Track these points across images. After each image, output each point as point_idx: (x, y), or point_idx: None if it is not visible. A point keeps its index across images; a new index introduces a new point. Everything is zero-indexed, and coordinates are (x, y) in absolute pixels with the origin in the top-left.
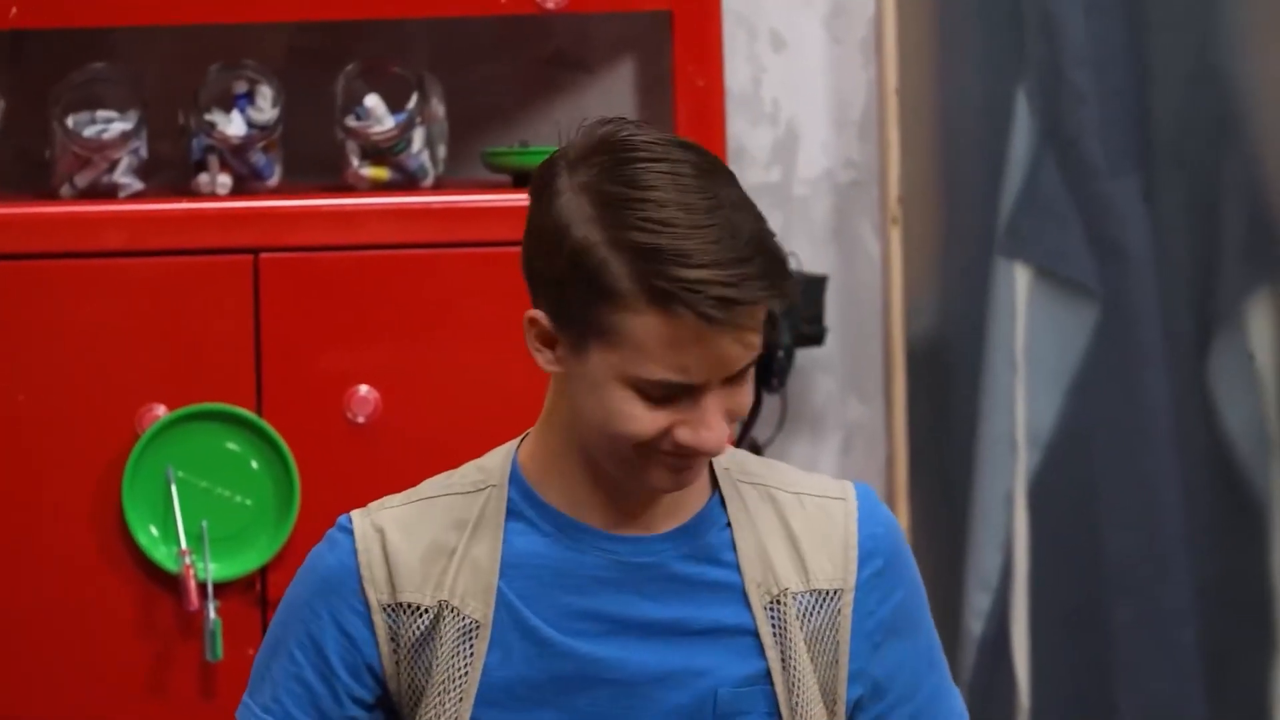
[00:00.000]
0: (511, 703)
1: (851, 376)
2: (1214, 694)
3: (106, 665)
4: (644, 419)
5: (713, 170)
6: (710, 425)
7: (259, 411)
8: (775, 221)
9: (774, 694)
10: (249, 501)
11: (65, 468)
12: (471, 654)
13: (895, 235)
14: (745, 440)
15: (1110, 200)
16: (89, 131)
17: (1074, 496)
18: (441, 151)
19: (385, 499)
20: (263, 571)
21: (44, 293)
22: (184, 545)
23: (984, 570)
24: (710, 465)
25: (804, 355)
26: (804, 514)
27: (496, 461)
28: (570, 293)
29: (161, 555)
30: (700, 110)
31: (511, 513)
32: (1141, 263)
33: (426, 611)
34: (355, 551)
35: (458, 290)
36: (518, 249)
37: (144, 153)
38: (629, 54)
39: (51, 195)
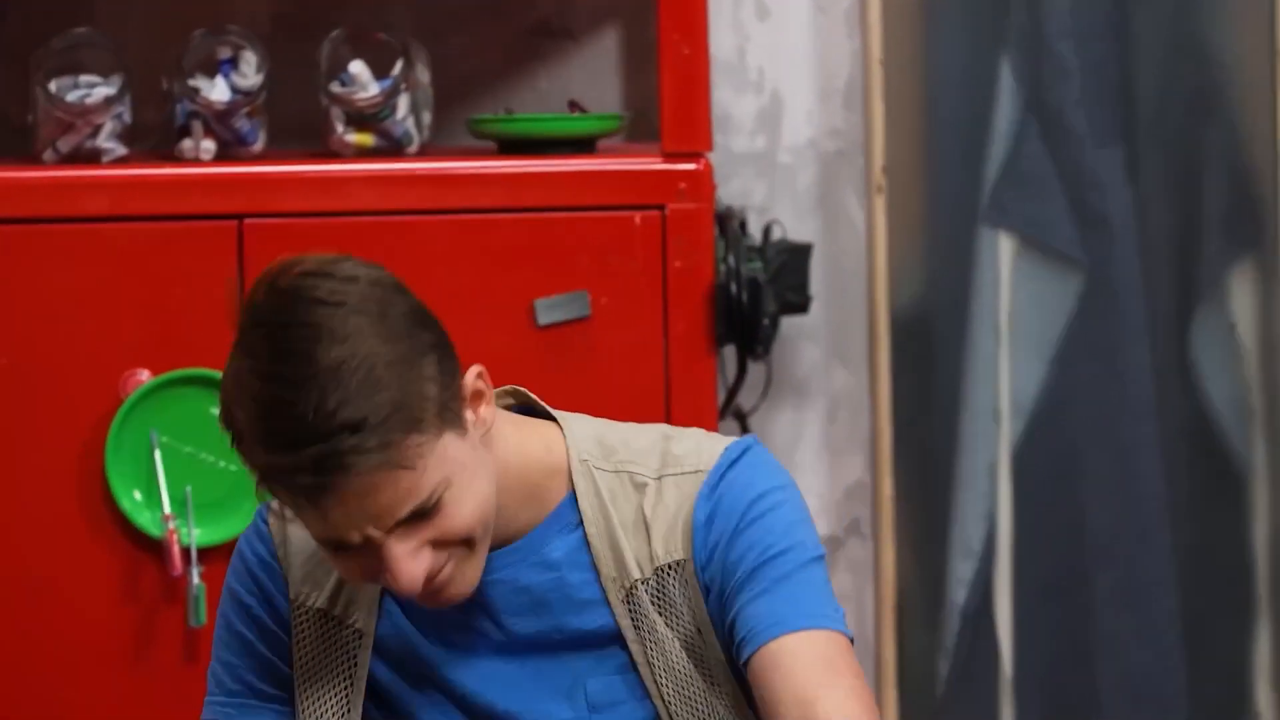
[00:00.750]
0: (393, 703)
1: (836, 345)
2: (1194, 662)
3: (89, 630)
4: (345, 568)
5: (334, 326)
6: (396, 572)
7: None
8: (760, 189)
9: (640, 682)
10: (233, 467)
11: (48, 433)
12: (356, 664)
13: (880, 204)
14: (730, 408)
15: (1094, 171)
16: (72, 96)
17: (1057, 466)
18: (426, 118)
19: None
20: None
21: (27, 258)
22: (168, 510)
23: (967, 539)
24: (568, 459)
25: (789, 323)
26: (659, 499)
27: None
28: (237, 447)
29: (145, 520)
30: (685, 78)
31: None
32: (1124, 233)
33: (312, 614)
34: (272, 539)
35: (442, 257)
36: (502, 216)
37: (127, 118)
38: (614, 22)
39: (34, 160)
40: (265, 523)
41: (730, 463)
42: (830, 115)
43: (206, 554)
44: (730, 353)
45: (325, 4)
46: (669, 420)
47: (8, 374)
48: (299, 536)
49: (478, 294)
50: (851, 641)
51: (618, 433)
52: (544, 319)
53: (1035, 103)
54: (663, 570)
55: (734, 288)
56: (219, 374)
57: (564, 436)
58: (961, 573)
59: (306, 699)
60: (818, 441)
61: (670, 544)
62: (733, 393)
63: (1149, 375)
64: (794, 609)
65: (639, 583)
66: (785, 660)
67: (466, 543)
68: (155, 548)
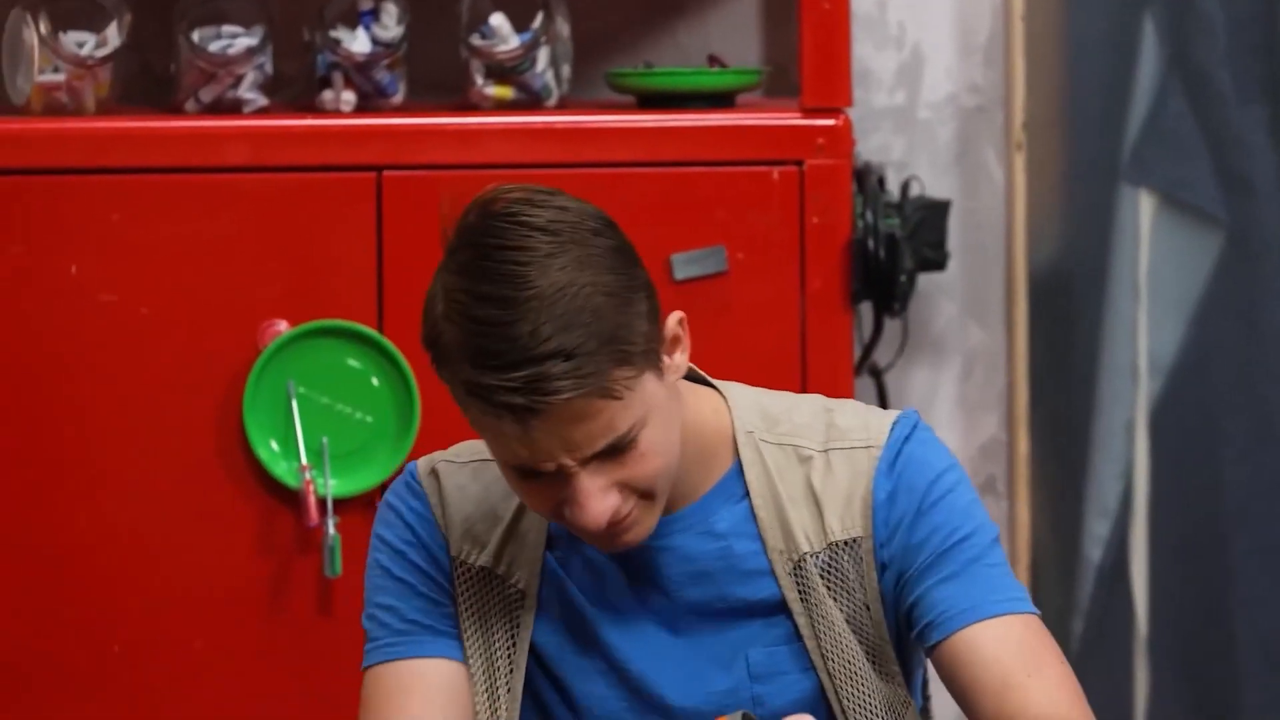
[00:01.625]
0: (559, 672)
1: (973, 302)
2: None
3: (226, 580)
4: (531, 496)
5: (552, 250)
6: (584, 505)
7: (380, 328)
8: (899, 145)
9: (806, 653)
10: (369, 418)
11: (187, 382)
12: (518, 626)
13: (1019, 161)
14: (866, 364)
15: (1237, 129)
16: (214, 47)
17: (1194, 425)
18: (565, 72)
19: (452, 449)
20: (382, 488)
21: (167, 207)
22: (304, 461)
23: (1103, 498)
24: (733, 430)
25: (925, 280)
26: (828, 472)
27: None
28: (435, 367)
29: (282, 471)
30: (826, 33)
31: None
32: (1267, 192)
33: (475, 573)
34: (425, 496)
35: None
36: (640, 170)
37: (269, 69)
38: None
39: (176, 110)
40: (418, 481)
41: (904, 438)
42: (970, 71)
43: (342, 505)
44: (866, 309)
45: None
46: (804, 376)
47: (148, 323)
48: (457, 496)
49: None
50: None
51: (778, 403)
52: (681, 274)
53: (1178, 60)
54: (836, 546)
55: (871, 244)
56: (357, 325)
57: (728, 406)
58: (1097, 531)
59: (471, 657)
60: (953, 399)
61: (848, 520)
62: (868, 349)
63: None
64: (987, 594)
65: (808, 556)
66: (987, 647)
67: (647, 495)
68: (292, 498)
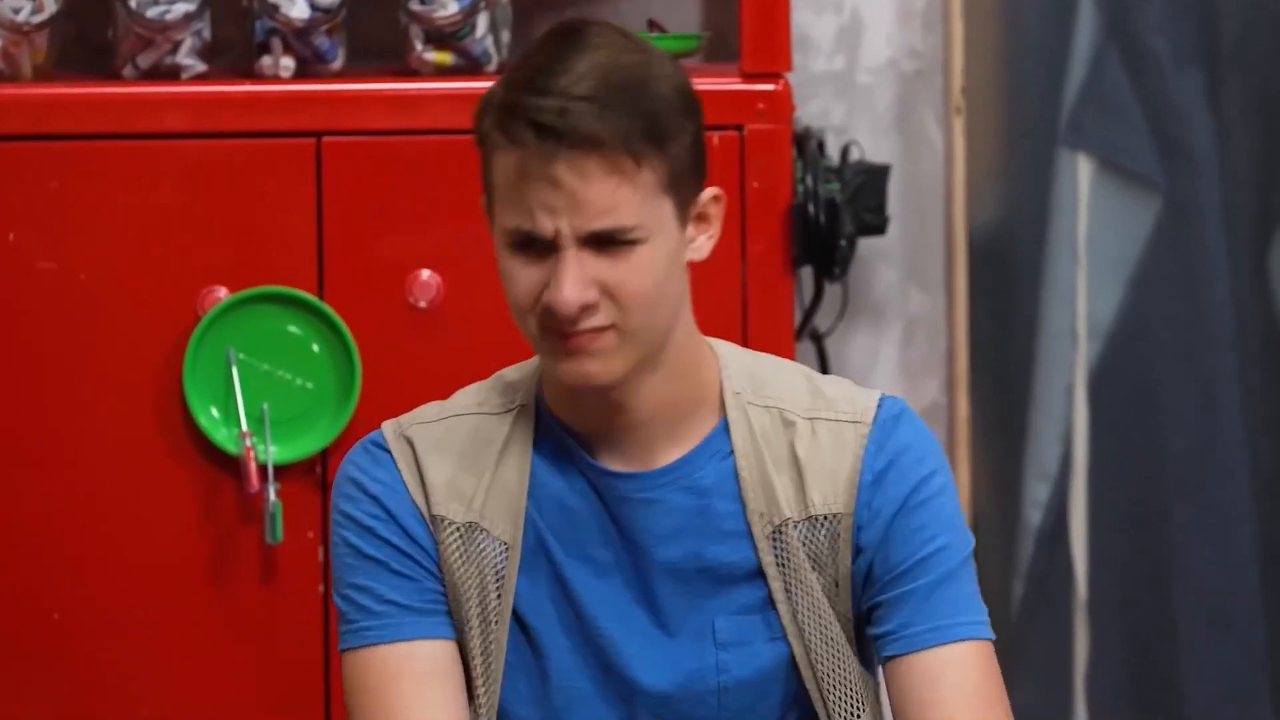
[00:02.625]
0: (535, 624)
1: (913, 267)
2: (1270, 591)
3: (167, 547)
4: (519, 278)
5: (629, 46)
6: (561, 283)
7: (320, 295)
8: (839, 110)
9: (779, 620)
10: (310, 384)
11: (126, 349)
12: (503, 577)
13: (958, 125)
14: (806, 329)
15: (1173, 95)
16: (152, 12)
17: (1134, 389)
18: (505, 37)
19: (416, 411)
20: (323, 455)
21: (105, 174)
22: (245, 427)
23: (1043, 461)
24: (720, 389)
25: (866, 245)
26: (814, 441)
27: (525, 377)
28: (480, 150)
29: (222, 437)
30: None
31: (537, 437)
32: (1204, 157)
33: (457, 529)
34: (396, 465)
35: None
36: None
37: (207, 34)
38: None
39: (114, 76)
40: (385, 449)
41: (893, 420)
42: (909, 36)
43: (283, 471)
44: (807, 274)
45: None
46: (745, 341)
47: (86, 290)
48: (436, 455)
49: None
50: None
51: (764, 366)
52: None
53: (1115, 26)
54: (816, 520)
55: (811, 209)
56: (297, 291)
57: (718, 364)
58: (1037, 495)
59: (470, 609)
60: (894, 364)
61: (830, 496)
62: (809, 314)
63: (1227, 300)
64: (953, 615)
65: (789, 522)
66: (939, 674)
67: (625, 323)
68: (232, 465)
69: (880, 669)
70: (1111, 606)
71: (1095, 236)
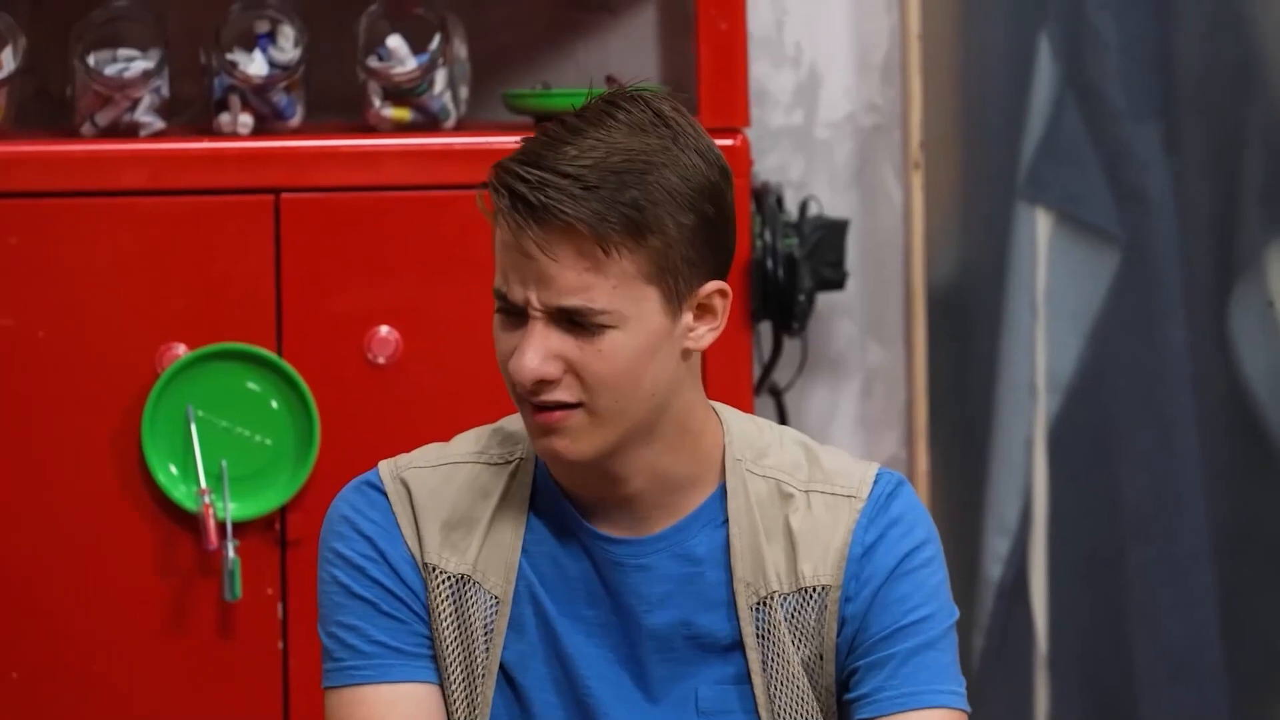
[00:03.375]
0: (523, 681)
1: (872, 321)
2: (1231, 636)
3: (125, 603)
4: (501, 341)
5: (654, 126)
6: (522, 351)
7: (279, 351)
8: (797, 165)
9: (753, 694)
10: (269, 441)
11: (85, 406)
12: (492, 630)
13: (917, 180)
14: (765, 384)
15: (1131, 146)
16: (110, 70)
17: (1093, 441)
18: (463, 93)
19: (415, 454)
20: (282, 511)
21: (65, 231)
22: (203, 484)
23: (1003, 515)
24: (722, 455)
25: (825, 299)
26: (808, 514)
27: (525, 430)
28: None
29: (181, 494)
30: (723, 53)
31: (535, 492)
32: (1162, 208)
33: (449, 579)
34: (391, 507)
35: (479, 231)
36: None
37: (165, 91)
38: None
39: (72, 134)
40: (380, 490)
41: (888, 495)
42: (868, 90)
43: (242, 528)
44: (766, 329)
45: None
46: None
47: (45, 347)
48: (432, 501)
49: None
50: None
51: (766, 435)
52: None
53: (1073, 77)
54: (806, 591)
55: (770, 264)
56: (255, 349)
57: (723, 430)
58: (997, 549)
59: (452, 664)
60: (853, 418)
61: (820, 568)
62: (768, 369)
63: (1186, 351)
64: (929, 682)
65: (776, 594)
66: None
67: (591, 404)
68: (190, 522)
69: None
70: (1072, 658)
71: (1054, 290)
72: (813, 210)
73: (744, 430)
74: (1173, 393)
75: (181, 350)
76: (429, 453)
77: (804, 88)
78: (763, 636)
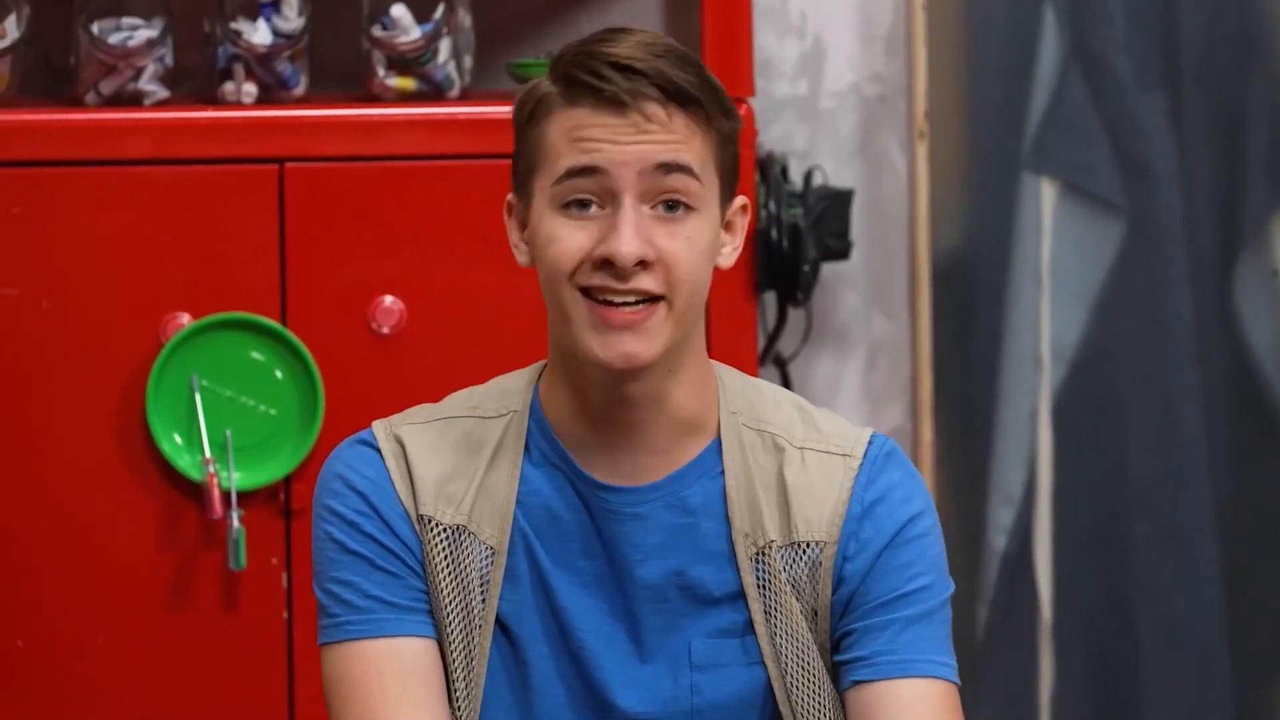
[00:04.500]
0: (518, 631)
1: (877, 292)
2: (1234, 610)
3: (129, 573)
4: (566, 238)
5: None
6: (619, 233)
7: (283, 321)
8: (801, 135)
9: (757, 644)
10: (273, 411)
11: (90, 375)
12: (488, 581)
13: (921, 150)
14: (770, 354)
15: (1136, 117)
16: (114, 39)
17: (1097, 413)
18: (467, 63)
19: (408, 412)
20: (286, 481)
21: (68, 200)
22: (208, 454)
23: (1008, 485)
24: (717, 410)
25: (829, 270)
26: (802, 469)
27: (520, 385)
28: (517, 137)
29: (185, 464)
30: (727, 22)
31: (529, 444)
32: (1167, 180)
33: (444, 530)
34: (384, 463)
35: (483, 201)
36: None
37: (169, 60)
38: None
39: (76, 103)
40: (374, 447)
41: (884, 457)
42: (872, 60)
43: (246, 498)
44: (770, 299)
45: None
46: None
47: (49, 317)
48: (427, 455)
49: None
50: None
51: (762, 393)
52: None
53: (1078, 48)
54: (798, 546)
55: (775, 233)
56: (260, 318)
57: (717, 384)
58: (1001, 519)
59: (452, 613)
60: (857, 388)
61: (814, 524)
62: (773, 339)
63: (1190, 323)
64: (923, 651)
65: (773, 545)
66: (904, 705)
67: (670, 304)
68: (195, 491)
69: (842, 695)
70: (1075, 629)
71: (1059, 261)
72: (817, 180)
73: (739, 386)
74: (1177, 365)
75: (186, 320)
76: (422, 411)
77: (808, 58)
78: (763, 586)
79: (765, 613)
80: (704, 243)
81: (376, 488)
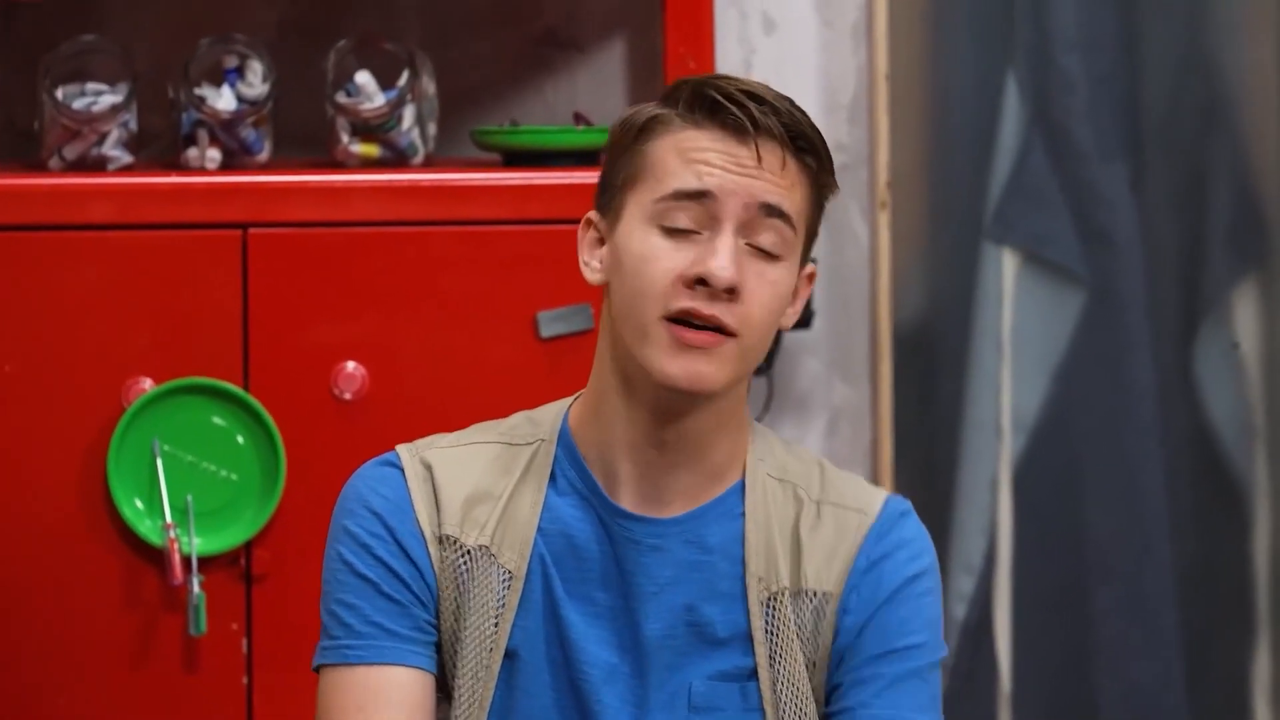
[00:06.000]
0: (524, 657)
1: (838, 359)
2: (1194, 678)
3: (90, 637)
4: (661, 257)
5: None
6: (718, 252)
7: (246, 386)
8: None
9: (758, 690)
10: (234, 476)
11: (51, 440)
12: (503, 605)
13: (884, 219)
14: None
15: (1098, 186)
16: (78, 104)
17: (1058, 481)
18: (431, 129)
19: (433, 438)
20: (247, 546)
21: (31, 264)
22: (169, 519)
23: (968, 554)
24: (745, 455)
25: (790, 338)
26: (818, 522)
27: (549, 416)
28: (615, 153)
29: (146, 529)
30: None
31: (555, 472)
32: (1128, 249)
33: (467, 552)
34: (406, 484)
35: (446, 268)
36: (506, 228)
37: (133, 126)
38: (620, 33)
39: (40, 167)
40: (399, 467)
41: (898, 515)
42: (835, 129)
43: (207, 563)
44: None
45: (332, 12)
46: None
47: (11, 381)
48: (456, 477)
49: (482, 306)
50: None
51: (789, 449)
52: (547, 331)
53: (1040, 117)
54: (805, 594)
55: None
56: (222, 383)
57: (751, 433)
58: (962, 588)
59: (467, 634)
60: (818, 454)
61: (823, 575)
62: None
63: (1152, 391)
64: (911, 710)
65: (785, 591)
66: None
67: (740, 341)
68: (156, 556)
69: None
70: (1036, 698)
71: (1020, 329)
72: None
73: (768, 438)
74: (1138, 433)
75: (148, 384)
76: (446, 437)
77: None
78: (771, 632)
79: (770, 658)
80: (783, 292)
81: (395, 508)
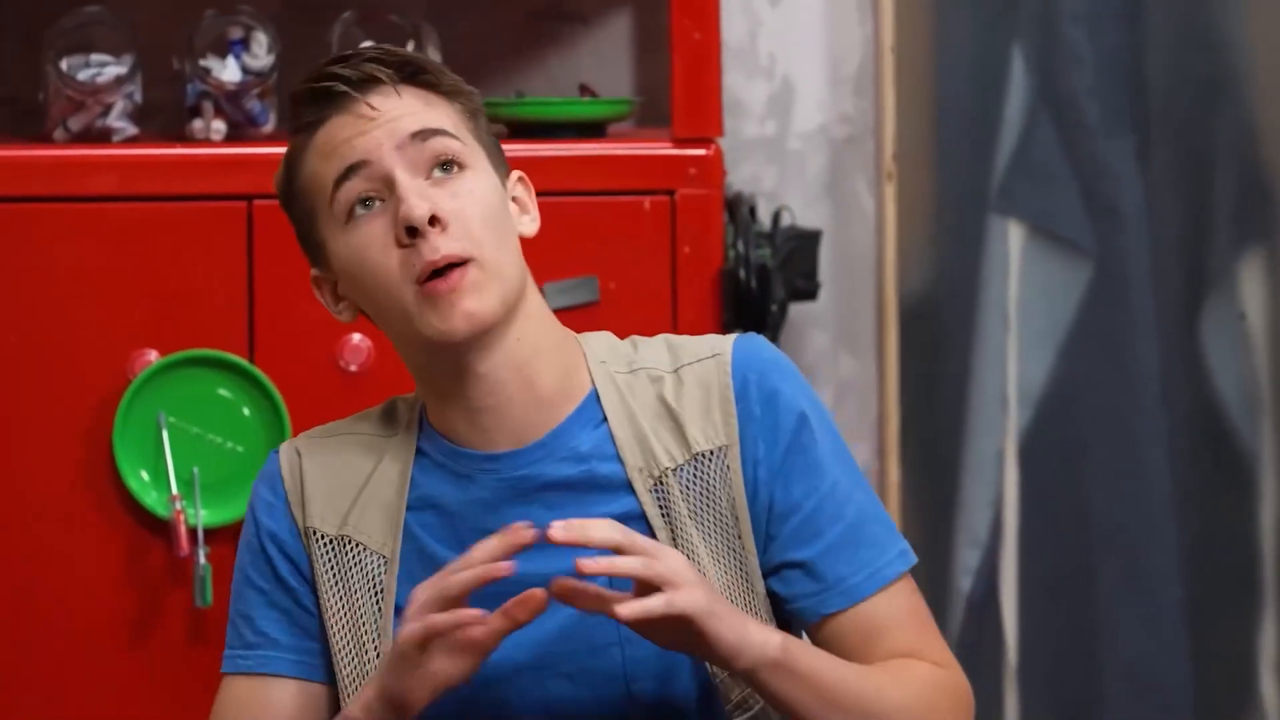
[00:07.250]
0: None
1: (844, 332)
2: (1199, 653)
3: (96, 610)
4: (373, 239)
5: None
6: (405, 199)
7: (251, 358)
8: (770, 175)
9: None
10: (240, 448)
11: (56, 412)
12: (382, 589)
13: (890, 191)
14: None
15: (1104, 160)
16: (83, 75)
17: (1063, 455)
18: None
19: (311, 429)
20: None
21: (36, 236)
22: (175, 491)
23: (974, 527)
24: (586, 362)
25: (797, 310)
26: (681, 388)
27: (407, 404)
28: (288, 208)
29: (152, 501)
30: (696, 63)
31: (418, 451)
32: (1134, 222)
33: (328, 541)
34: (281, 477)
35: None
36: None
37: (138, 97)
38: (625, 5)
39: (44, 139)
40: (276, 464)
41: (751, 345)
42: (841, 101)
43: (213, 534)
44: None
45: None
46: None
47: (16, 353)
48: (319, 470)
49: None
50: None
51: (627, 342)
52: (553, 303)
53: (1046, 91)
54: (701, 457)
55: (743, 274)
56: (227, 355)
57: (581, 346)
58: (967, 561)
59: (337, 627)
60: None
61: (709, 430)
62: None
63: (1157, 365)
64: (874, 556)
65: (669, 471)
66: (880, 621)
67: (479, 262)
68: (162, 528)
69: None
70: (1041, 672)
71: (1026, 302)
72: (785, 221)
73: (606, 343)
74: (1144, 407)
75: (153, 356)
76: (320, 428)
77: (777, 99)
78: (666, 514)
79: (673, 540)
80: (485, 197)
81: (269, 508)
